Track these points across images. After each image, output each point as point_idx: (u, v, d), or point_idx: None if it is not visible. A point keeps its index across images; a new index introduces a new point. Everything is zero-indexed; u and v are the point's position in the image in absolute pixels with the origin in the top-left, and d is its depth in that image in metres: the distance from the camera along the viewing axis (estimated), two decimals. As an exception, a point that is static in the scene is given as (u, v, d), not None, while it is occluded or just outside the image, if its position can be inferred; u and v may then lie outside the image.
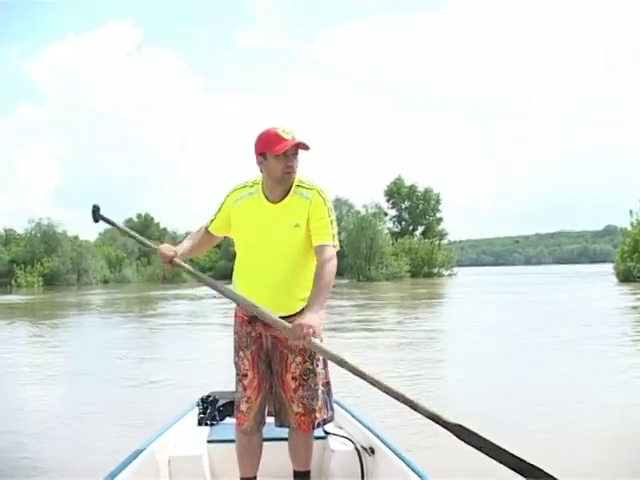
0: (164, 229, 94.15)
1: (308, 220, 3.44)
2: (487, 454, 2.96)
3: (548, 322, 18.92)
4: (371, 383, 3.08)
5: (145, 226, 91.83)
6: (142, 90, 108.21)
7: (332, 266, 3.36)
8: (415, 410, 3.05)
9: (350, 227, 73.22)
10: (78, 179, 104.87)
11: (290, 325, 3.19)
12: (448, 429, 3.02)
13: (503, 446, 2.95)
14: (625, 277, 49.44)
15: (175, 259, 3.61)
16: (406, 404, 3.06)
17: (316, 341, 3.16)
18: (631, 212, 53.76)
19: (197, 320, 22.21)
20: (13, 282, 67.50)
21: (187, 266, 3.68)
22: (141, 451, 3.75)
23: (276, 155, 3.37)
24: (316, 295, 3.27)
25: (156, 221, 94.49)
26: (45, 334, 19.77)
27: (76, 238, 78.37)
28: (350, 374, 3.11)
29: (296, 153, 3.42)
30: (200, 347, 14.55)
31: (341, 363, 3.12)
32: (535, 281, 56.54)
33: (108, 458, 4.14)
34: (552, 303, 27.97)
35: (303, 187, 3.48)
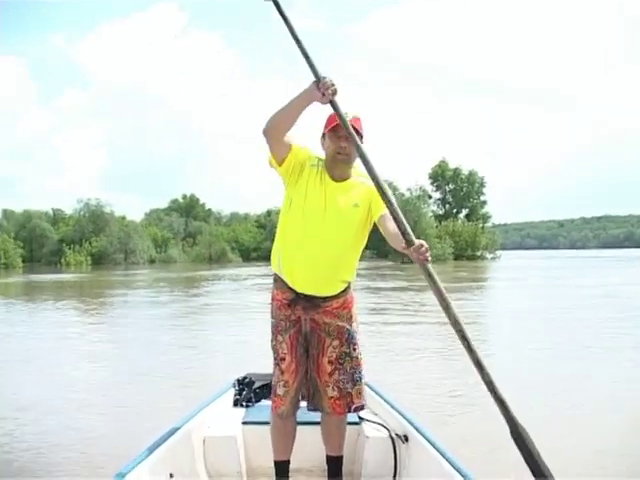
0: (209, 210, 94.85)
1: (371, 200, 3.41)
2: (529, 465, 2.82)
3: (590, 307, 18.56)
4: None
5: (190, 206, 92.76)
6: (187, 73, 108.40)
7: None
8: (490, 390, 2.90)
9: None
10: (124, 161, 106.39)
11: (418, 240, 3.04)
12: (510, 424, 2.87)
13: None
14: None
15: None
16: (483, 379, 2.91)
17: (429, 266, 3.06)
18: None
19: (240, 300, 22.23)
20: (62, 261, 68.56)
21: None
22: (177, 429, 3.74)
23: (330, 135, 3.41)
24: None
25: (201, 202, 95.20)
26: (92, 311, 20.10)
27: (123, 218, 79.38)
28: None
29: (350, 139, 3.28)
30: (241, 327, 14.66)
31: (444, 304, 2.99)
32: (579, 265, 55.68)
33: (143, 437, 4.09)
34: (596, 287, 27.45)
35: (363, 175, 3.42)
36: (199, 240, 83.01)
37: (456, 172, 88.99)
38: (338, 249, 3.42)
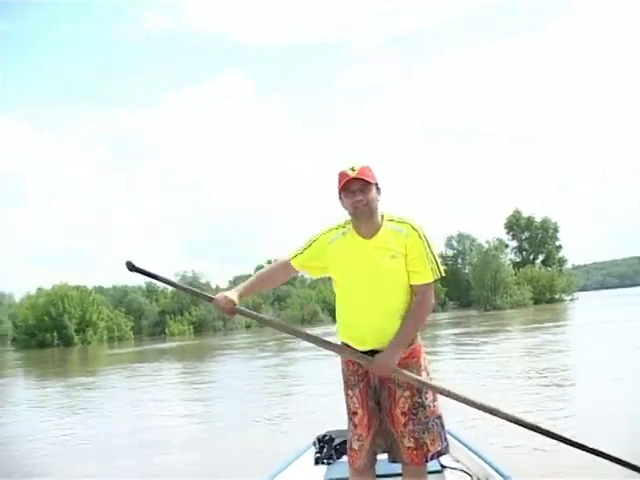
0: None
1: (406, 254, 3.30)
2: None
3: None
4: (473, 406, 3.08)
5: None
6: (249, 139, 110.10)
7: (427, 306, 3.32)
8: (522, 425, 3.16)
9: (474, 261, 76.65)
10: (200, 231, 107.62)
11: (370, 358, 3.18)
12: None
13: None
14: None
15: (236, 307, 3.38)
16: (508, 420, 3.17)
17: (402, 370, 3.20)
18: None
19: (323, 355, 22.13)
20: (167, 331, 69.91)
21: (251, 312, 3.45)
22: None
23: (344, 193, 3.32)
24: (404, 332, 3.24)
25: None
26: (194, 372, 21.29)
27: (217, 288, 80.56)
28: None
29: (364, 188, 3.28)
30: (323, 383, 14.48)
31: (441, 392, 3.11)
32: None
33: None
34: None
35: (395, 221, 3.36)
36: (289, 303, 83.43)
37: (530, 220, 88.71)
38: (387, 303, 3.29)
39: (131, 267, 3.45)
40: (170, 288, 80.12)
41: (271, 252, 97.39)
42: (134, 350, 42.61)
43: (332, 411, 9.11)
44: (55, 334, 59.64)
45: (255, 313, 3.49)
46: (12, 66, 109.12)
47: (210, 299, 3.43)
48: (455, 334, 26.78)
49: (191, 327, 71.69)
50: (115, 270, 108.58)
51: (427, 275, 3.28)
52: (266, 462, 5.84)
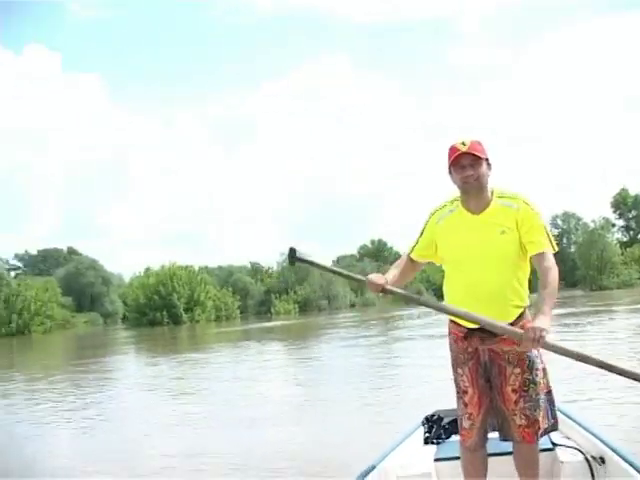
0: (397, 253, 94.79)
1: (518, 228, 3.21)
2: None
3: None
4: (619, 373, 2.91)
5: (379, 251, 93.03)
6: (358, 116, 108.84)
7: (554, 272, 3.12)
8: None
9: (580, 240, 75.80)
10: (300, 212, 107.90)
11: (521, 331, 2.99)
12: None
13: None
14: None
15: (386, 286, 3.33)
16: None
17: (551, 341, 2.96)
18: None
19: (429, 334, 22.00)
20: (272, 310, 71.08)
21: (399, 290, 3.39)
22: (373, 468, 3.68)
23: (454, 167, 3.26)
24: (544, 302, 3.03)
25: (389, 245, 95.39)
26: (297, 348, 21.97)
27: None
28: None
29: (474, 163, 3.22)
30: (428, 364, 14.41)
31: (582, 358, 2.93)
32: None
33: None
34: None
35: (505, 197, 3.30)
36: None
37: (637, 199, 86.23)
38: (499, 280, 3.21)
39: (292, 255, 3.50)
40: (275, 268, 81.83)
41: (374, 232, 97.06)
42: (241, 329, 43.73)
43: (439, 390, 9.06)
44: (165, 313, 61.67)
45: (405, 292, 3.44)
46: (119, 51, 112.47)
47: (362, 280, 3.45)
48: (561, 314, 26.02)
49: (296, 306, 72.45)
50: (219, 251, 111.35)
51: (545, 243, 3.18)
52: (375, 441, 5.88)
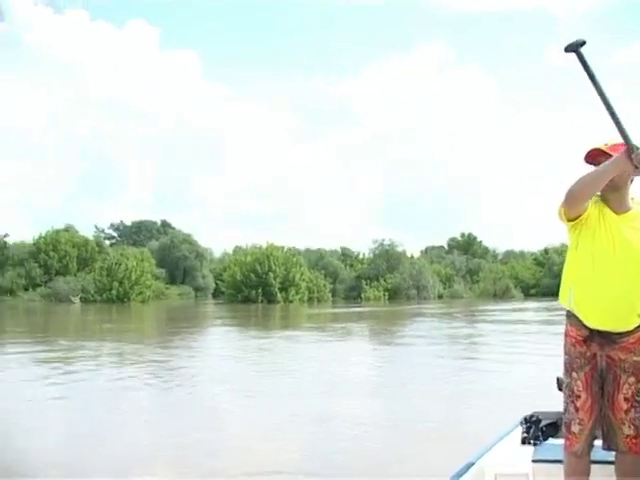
0: (486, 248, 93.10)
1: None
2: None
3: None
4: None
5: (468, 244, 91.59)
6: (450, 109, 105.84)
7: None
8: None
9: None
10: (394, 199, 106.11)
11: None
12: None
13: None
14: None
15: None
16: None
17: None
18: None
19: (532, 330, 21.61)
20: (362, 296, 71.18)
21: None
22: (471, 465, 3.69)
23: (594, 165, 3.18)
24: None
25: (479, 240, 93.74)
26: (383, 332, 22.57)
27: (412, 257, 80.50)
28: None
29: None
30: (520, 361, 14.17)
31: None
32: None
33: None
34: None
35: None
36: (481, 276, 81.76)
37: None
38: (630, 283, 3.12)
39: (576, 46, 2.97)
40: (367, 254, 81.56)
41: (465, 226, 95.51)
42: (332, 311, 44.10)
43: (534, 390, 8.96)
44: (260, 291, 62.39)
45: None
46: (216, 30, 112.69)
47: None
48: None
49: (386, 293, 72.38)
50: (309, 233, 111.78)
51: None
52: (470, 437, 5.95)
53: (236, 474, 5.95)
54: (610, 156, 3.08)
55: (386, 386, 11.21)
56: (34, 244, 64.75)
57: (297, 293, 64.69)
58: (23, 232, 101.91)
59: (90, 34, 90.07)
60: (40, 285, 61.40)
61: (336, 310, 46.01)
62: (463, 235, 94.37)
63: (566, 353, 3.37)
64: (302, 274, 66.22)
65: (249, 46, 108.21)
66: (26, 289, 61.29)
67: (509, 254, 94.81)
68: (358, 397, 9.96)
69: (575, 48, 2.95)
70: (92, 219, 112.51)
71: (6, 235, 66.36)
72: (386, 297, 70.77)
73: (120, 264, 59.52)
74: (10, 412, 9.06)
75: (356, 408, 8.97)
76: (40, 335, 22.65)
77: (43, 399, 9.89)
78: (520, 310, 38.26)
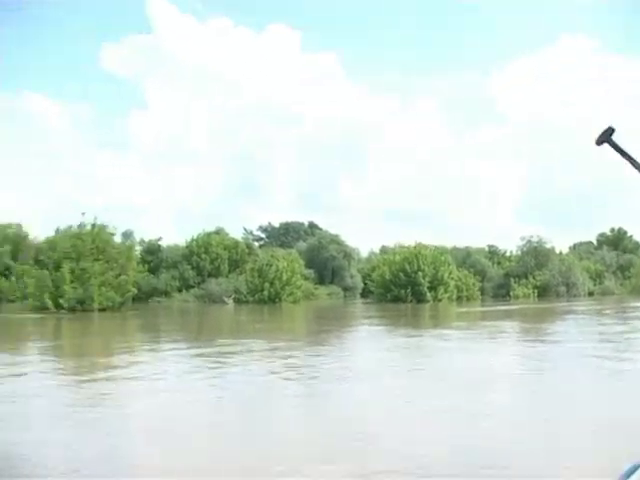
0: (636, 242, 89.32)
1: None
2: None
3: None
4: None
5: (619, 239, 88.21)
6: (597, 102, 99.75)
7: None
8: None
9: None
10: (539, 196, 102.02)
11: None
12: None
13: None
14: None
15: None
16: None
17: None
18: None
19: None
20: (511, 293, 70.82)
21: None
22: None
23: None
24: None
25: (629, 234, 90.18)
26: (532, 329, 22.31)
27: (560, 253, 78.79)
28: None
29: None
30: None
31: None
32: None
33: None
34: None
35: None
36: (632, 272, 78.90)
37: None
38: None
39: (606, 136, 2.64)
40: (515, 252, 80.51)
41: (615, 220, 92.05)
42: (481, 310, 44.95)
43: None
44: (409, 290, 62.29)
45: None
46: (356, 31, 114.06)
47: None
48: None
49: (535, 291, 71.48)
50: (455, 232, 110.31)
51: None
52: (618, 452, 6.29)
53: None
54: None
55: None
56: (187, 247, 66.36)
57: (446, 292, 64.71)
58: (175, 235, 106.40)
59: (233, 40, 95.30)
60: (193, 286, 63.19)
61: (486, 308, 46.68)
62: (613, 230, 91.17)
63: None
64: (451, 273, 66.18)
65: (389, 46, 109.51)
66: (180, 290, 62.57)
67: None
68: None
69: (606, 138, 2.69)
70: (241, 221, 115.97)
71: (160, 239, 68.78)
72: (535, 294, 69.91)
73: (271, 265, 60.43)
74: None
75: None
76: (205, 335, 25.19)
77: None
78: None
